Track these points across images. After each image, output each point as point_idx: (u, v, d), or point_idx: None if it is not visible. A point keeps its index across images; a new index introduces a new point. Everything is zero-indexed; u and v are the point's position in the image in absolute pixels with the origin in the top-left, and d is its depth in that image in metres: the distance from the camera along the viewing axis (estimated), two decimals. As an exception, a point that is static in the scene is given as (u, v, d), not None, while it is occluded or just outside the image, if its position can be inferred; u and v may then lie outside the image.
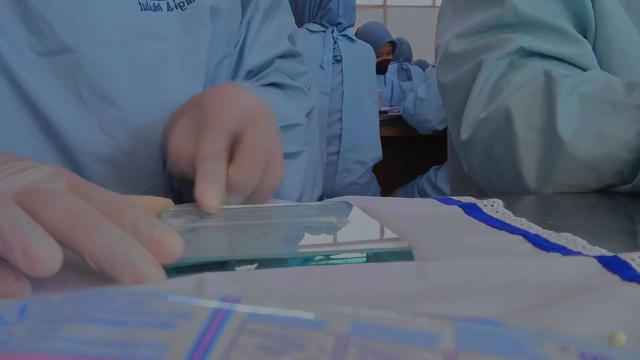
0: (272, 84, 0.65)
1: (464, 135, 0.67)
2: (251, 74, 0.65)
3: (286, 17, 0.68)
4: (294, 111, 0.62)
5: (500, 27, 0.68)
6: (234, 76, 0.63)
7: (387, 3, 6.59)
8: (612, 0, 0.66)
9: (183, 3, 0.55)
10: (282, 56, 0.67)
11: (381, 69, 3.32)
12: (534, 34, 0.66)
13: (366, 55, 2.41)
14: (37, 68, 0.49)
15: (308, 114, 0.66)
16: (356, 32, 3.23)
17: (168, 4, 0.54)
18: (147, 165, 0.54)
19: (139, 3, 0.52)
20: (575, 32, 0.66)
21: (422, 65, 3.87)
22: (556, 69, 0.62)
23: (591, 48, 0.66)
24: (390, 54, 3.43)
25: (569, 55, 0.65)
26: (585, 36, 0.67)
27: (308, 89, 0.68)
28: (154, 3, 0.53)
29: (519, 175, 0.61)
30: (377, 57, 3.18)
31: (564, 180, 0.59)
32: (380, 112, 2.69)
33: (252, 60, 0.63)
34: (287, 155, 0.48)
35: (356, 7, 2.39)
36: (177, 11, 0.54)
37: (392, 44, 3.43)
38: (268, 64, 0.65)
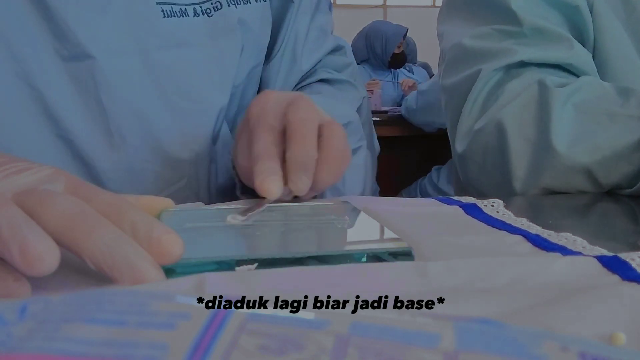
0: (321, 80, 0.67)
1: (459, 147, 0.67)
2: (304, 75, 0.67)
3: (326, 16, 0.69)
4: (347, 109, 0.64)
5: (501, 33, 0.67)
6: (286, 81, 0.65)
7: (387, 3, 6.59)
8: (610, 15, 0.66)
9: (210, 10, 0.55)
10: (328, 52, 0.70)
11: (400, 62, 3.29)
12: (534, 43, 0.65)
13: None
14: (59, 74, 0.48)
15: (359, 108, 0.68)
16: (366, 32, 3.20)
17: (195, 9, 0.54)
18: (164, 173, 0.54)
19: (162, 11, 0.52)
20: (572, 38, 0.66)
21: (425, 68, 3.84)
22: (550, 77, 0.61)
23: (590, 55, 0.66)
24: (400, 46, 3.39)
25: (567, 58, 0.64)
26: None
27: (354, 80, 0.70)
28: (180, 9, 0.53)
29: (513, 188, 0.61)
30: (397, 49, 3.16)
31: (561, 189, 0.58)
32: (380, 112, 2.68)
33: (305, 63, 0.65)
34: None
35: (356, 7, 2.36)
36: (203, 17, 0.55)
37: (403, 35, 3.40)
38: (317, 62, 0.68)
